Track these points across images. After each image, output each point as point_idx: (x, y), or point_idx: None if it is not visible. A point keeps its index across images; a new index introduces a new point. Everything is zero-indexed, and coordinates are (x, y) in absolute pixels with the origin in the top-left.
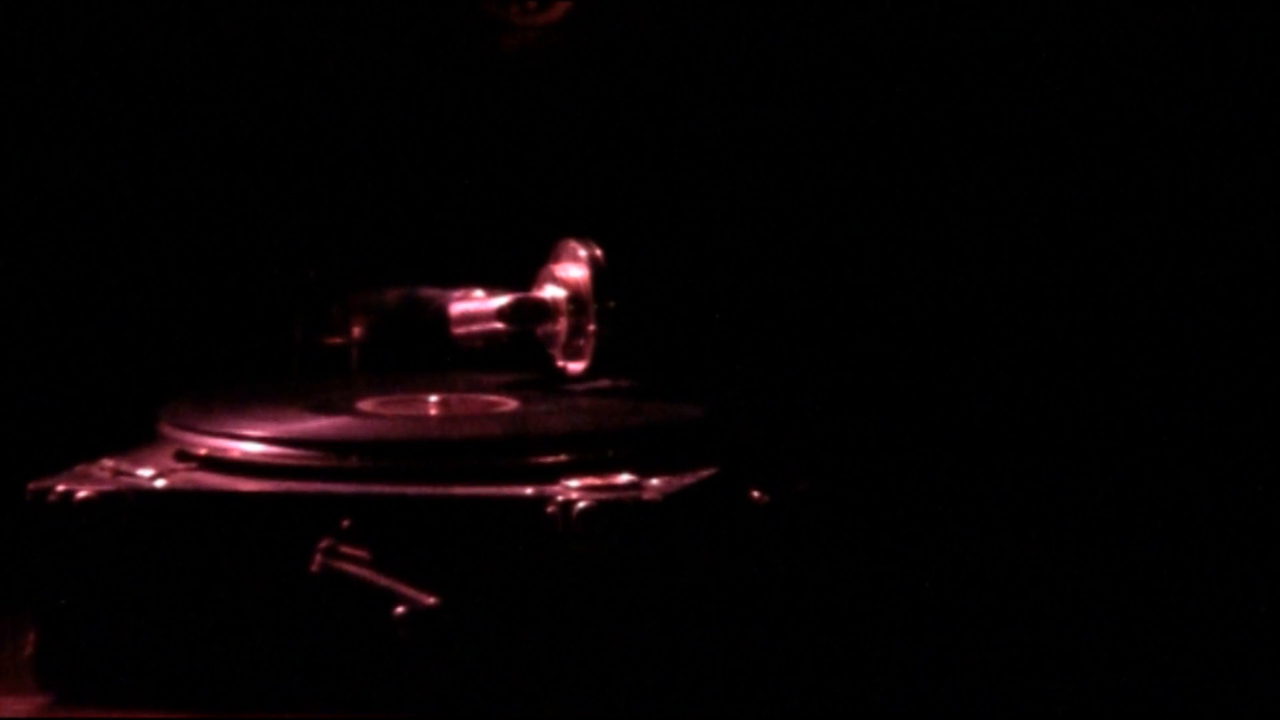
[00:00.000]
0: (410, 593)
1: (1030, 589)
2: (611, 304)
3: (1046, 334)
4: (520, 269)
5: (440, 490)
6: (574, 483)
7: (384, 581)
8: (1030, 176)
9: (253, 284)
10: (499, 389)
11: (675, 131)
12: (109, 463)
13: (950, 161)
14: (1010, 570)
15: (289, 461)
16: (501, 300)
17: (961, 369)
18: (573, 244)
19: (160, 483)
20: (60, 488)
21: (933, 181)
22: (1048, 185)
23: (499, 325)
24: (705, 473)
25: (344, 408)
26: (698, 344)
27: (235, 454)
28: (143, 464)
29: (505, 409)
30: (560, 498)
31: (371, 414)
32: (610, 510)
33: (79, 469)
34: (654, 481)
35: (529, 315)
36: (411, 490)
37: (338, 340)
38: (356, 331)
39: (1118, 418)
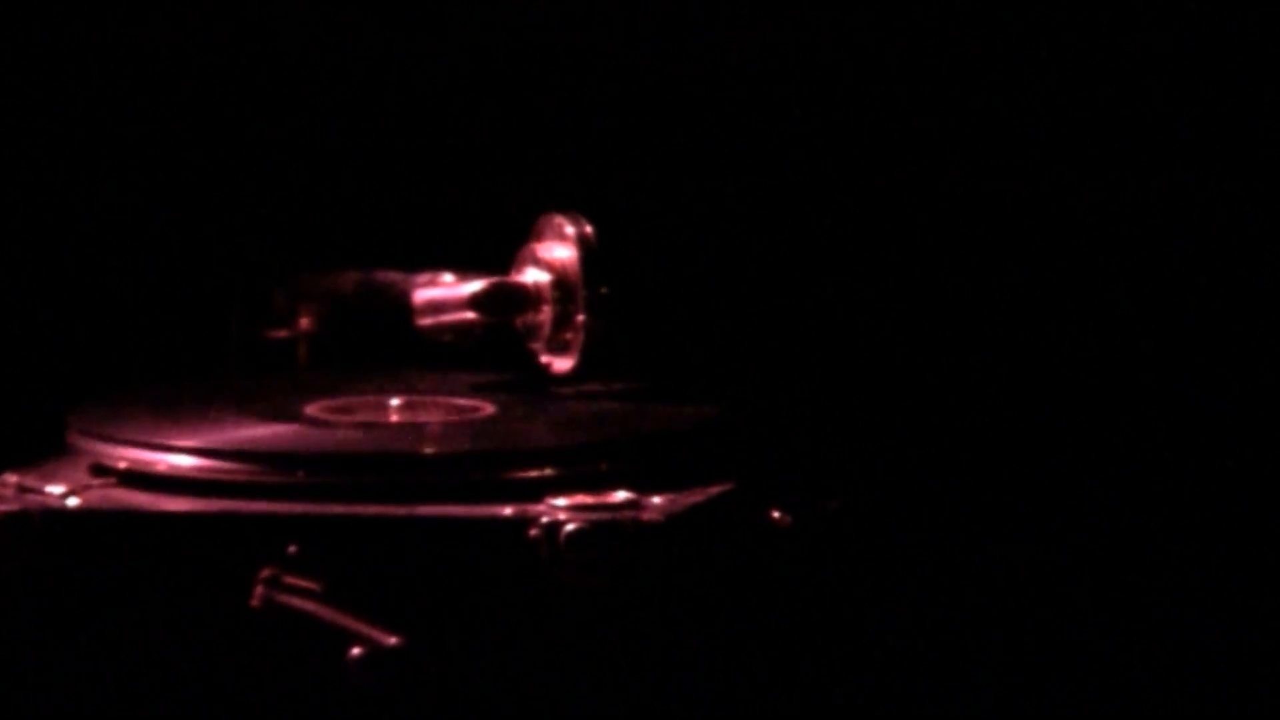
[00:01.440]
0: (368, 631)
1: (1090, 637)
2: (604, 290)
3: (1087, 329)
4: (497, 249)
5: (403, 510)
6: (561, 501)
7: (338, 618)
8: (1064, 172)
9: (180, 267)
10: (472, 391)
11: (678, 89)
12: (12, 478)
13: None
14: (1069, 615)
15: (225, 476)
16: (474, 286)
17: (1018, 370)
18: (558, 219)
19: (73, 501)
20: None
21: (983, 161)
22: (1079, 183)
23: (471, 315)
24: (716, 489)
25: (289, 413)
26: (706, 337)
27: (161, 467)
28: (52, 479)
29: (479, 414)
30: (545, 519)
31: (322, 420)
32: (604, 533)
33: None
34: (656, 499)
35: (506, 303)
36: (369, 510)
37: (282, 333)
38: (304, 323)
39: (1163, 423)
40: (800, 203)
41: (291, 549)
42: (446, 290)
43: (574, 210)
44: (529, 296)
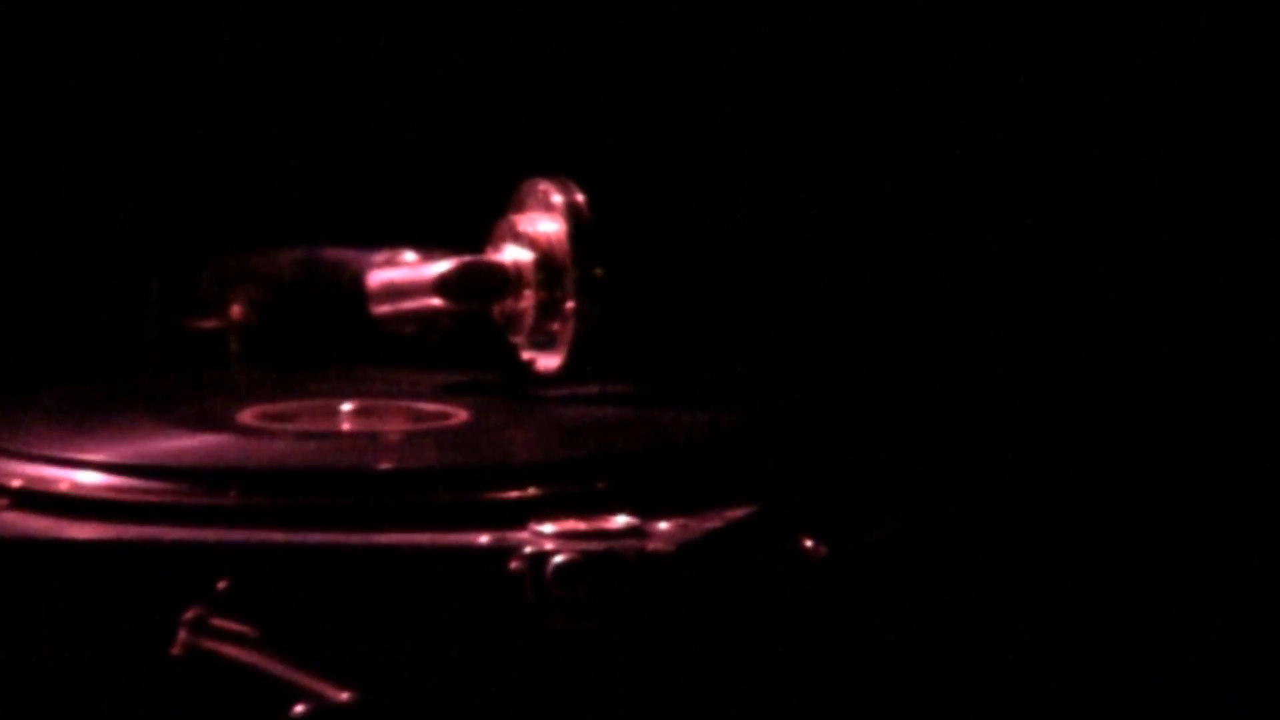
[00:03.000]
0: (314, 685)
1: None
2: (598, 272)
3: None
4: (469, 221)
5: (357, 538)
6: (548, 527)
7: (277, 669)
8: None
9: (87, 245)
10: (439, 393)
11: (684, 34)
12: None
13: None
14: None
15: (141, 497)
16: (441, 266)
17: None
18: (544, 186)
19: None
20: None
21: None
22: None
23: (437, 302)
24: (736, 513)
25: (219, 420)
26: (723, 330)
27: (63, 486)
28: None
29: (449, 422)
30: (529, 549)
31: (258, 429)
32: (600, 566)
33: None
34: (663, 525)
35: (480, 287)
36: (315, 538)
37: (210, 323)
38: (236, 311)
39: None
40: (832, 171)
41: (221, 585)
42: (408, 271)
43: (562, 175)
44: (508, 279)
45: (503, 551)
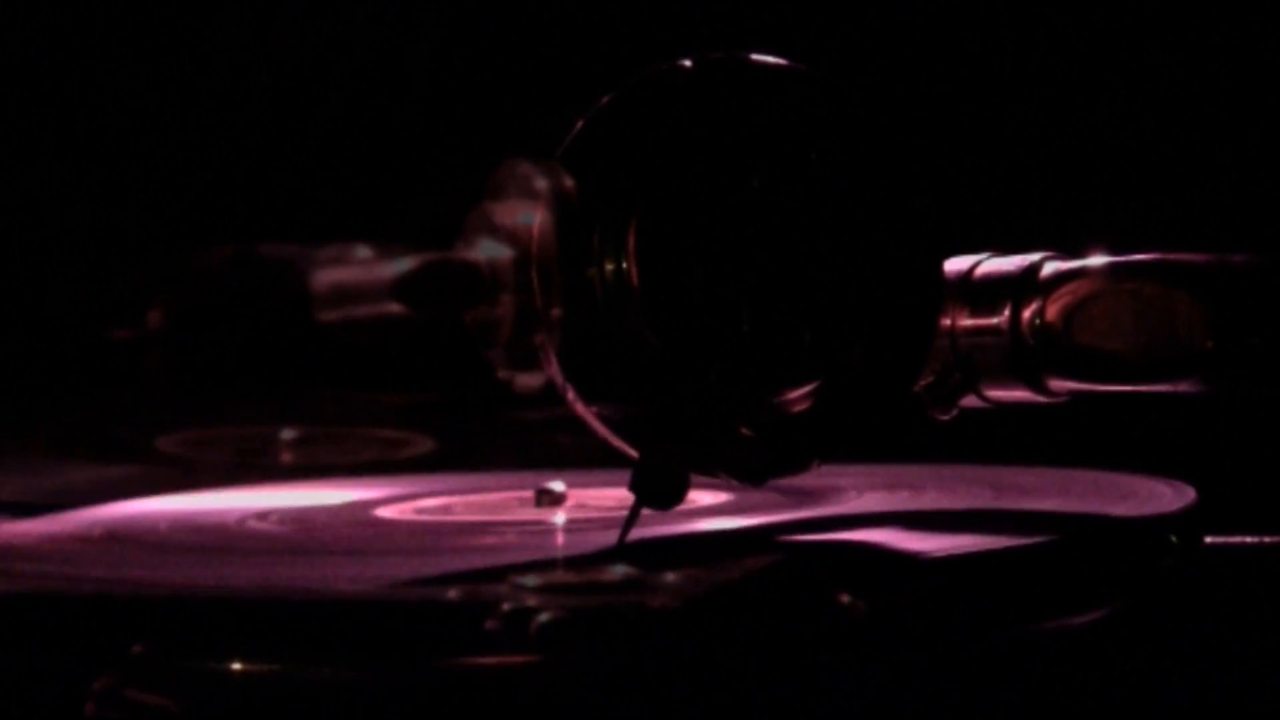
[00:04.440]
0: None
1: None
2: (591, 272)
3: None
4: (435, 211)
5: (298, 592)
6: (530, 579)
7: None
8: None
9: None
10: (399, 417)
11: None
12: None
13: None
14: None
15: (39, 543)
16: (400, 264)
17: None
18: (524, 169)
19: None
20: None
21: None
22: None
23: (396, 307)
24: (755, 563)
25: (137, 449)
26: (735, 339)
27: None
28: None
29: (410, 451)
30: (507, 604)
31: (185, 459)
32: (593, 624)
33: None
34: (668, 576)
35: (447, 290)
36: (250, 590)
37: (125, 334)
38: (155, 317)
39: None
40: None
41: (137, 649)
42: (361, 271)
43: (545, 156)
44: (480, 280)
45: (476, 605)
